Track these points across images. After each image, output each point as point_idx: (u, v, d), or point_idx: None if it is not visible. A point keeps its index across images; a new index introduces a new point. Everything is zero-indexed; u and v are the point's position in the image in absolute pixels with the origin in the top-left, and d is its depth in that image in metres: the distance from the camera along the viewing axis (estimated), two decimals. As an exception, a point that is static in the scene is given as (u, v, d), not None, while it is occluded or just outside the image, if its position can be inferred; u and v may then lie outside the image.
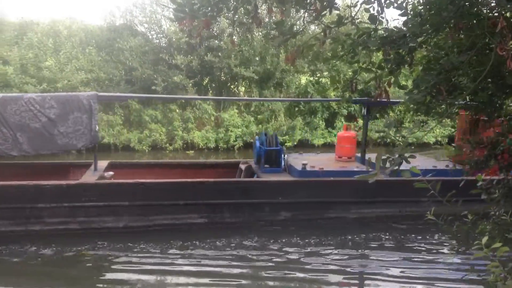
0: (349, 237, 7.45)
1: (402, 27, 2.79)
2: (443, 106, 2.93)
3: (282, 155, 8.62)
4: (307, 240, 7.28)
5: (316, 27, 11.92)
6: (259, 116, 17.65)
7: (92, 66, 16.62)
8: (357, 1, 2.88)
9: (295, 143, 17.28)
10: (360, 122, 18.03)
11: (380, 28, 2.81)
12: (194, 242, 7.10)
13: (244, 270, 6.31)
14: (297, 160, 8.53)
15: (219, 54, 17.19)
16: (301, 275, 6.18)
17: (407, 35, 2.72)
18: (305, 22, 3.22)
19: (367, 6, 2.80)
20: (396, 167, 2.57)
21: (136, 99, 16.17)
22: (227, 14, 3.19)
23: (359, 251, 6.95)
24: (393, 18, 2.91)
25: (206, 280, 6.01)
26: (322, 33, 2.99)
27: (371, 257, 6.77)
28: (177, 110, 16.92)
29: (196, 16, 2.97)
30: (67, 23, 17.86)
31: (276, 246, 7.05)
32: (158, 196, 7.38)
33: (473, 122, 8.94)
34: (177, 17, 3.09)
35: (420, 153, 10.68)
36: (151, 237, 7.16)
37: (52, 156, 8.85)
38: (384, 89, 3.07)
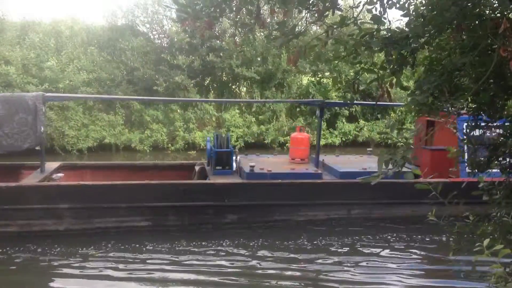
0: (299, 241, 7.25)
1: (405, 28, 2.78)
2: (444, 108, 2.93)
3: (233, 157, 8.51)
4: (253, 243, 7.09)
5: (318, 27, 11.92)
6: (260, 117, 17.66)
7: (93, 66, 16.65)
8: (360, 2, 2.88)
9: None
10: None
11: (382, 28, 2.80)
12: (137, 245, 6.90)
13: (186, 276, 6.06)
14: (249, 162, 8.36)
15: (221, 54, 17.20)
16: (245, 281, 5.96)
17: (410, 35, 2.71)
18: (307, 22, 3.22)
19: (370, 7, 2.80)
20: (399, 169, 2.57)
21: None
22: (229, 14, 3.19)
23: (304, 255, 6.77)
24: (396, 19, 2.90)
25: (149, 286, 5.81)
26: (324, 34, 2.99)
27: (318, 261, 6.58)
28: (179, 111, 16.94)
29: (198, 17, 2.97)
30: (69, 23, 17.87)
31: (221, 250, 6.85)
32: (99, 198, 7.23)
33: (428, 124, 9.01)
34: (180, 18, 3.10)
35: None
36: (93, 241, 6.98)
37: (11, 157, 8.69)
38: (386, 90, 3.07)
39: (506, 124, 3.03)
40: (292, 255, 6.77)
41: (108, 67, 16.75)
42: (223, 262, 6.45)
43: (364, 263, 6.54)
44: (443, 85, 2.76)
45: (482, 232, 2.78)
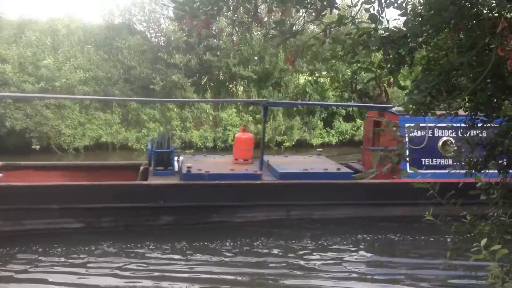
0: (239, 243, 7.11)
1: (402, 27, 2.78)
2: (441, 107, 2.93)
3: (174, 158, 8.35)
4: (185, 246, 6.95)
5: (316, 27, 11.92)
6: (257, 116, 17.65)
7: (90, 65, 16.59)
8: (357, 1, 2.87)
9: (293, 143, 17.29)
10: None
11: (380, 28, 2.80)
12: (70, 248, 6.71)
13: (123, 280, 5.86)
14: (190, 163, 8.14)
15: (218, 53, 17.18)
16: (183, 285, 5.78)
17: (407, 35, 2.71)
18: (305, 21, 3.21)
19: (367, 6, 2.80)
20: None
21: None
22: (226, 13, 3.18)
23: (241, 257, 6.63)
24: (393, 18, 2.90)
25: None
26: (322, 33, 2.99)
27: (253, 263, 6.44)
28: (175, 109, 16.91)
29: (196, 15, 2.96)
30: (65, 22, 17.81)
31: (156, 253, 6.70)
32: (30, 199, 7.08)
33: (375, 124, 9.05)
34: (177, 16, 3.08)
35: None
36: (24, 243, 6.78)
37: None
38: (383, 89, 3.07)
39: (503, 124, 3.03)
40: (227, 258, 6.57)
41: (104, 65, 16.70)
42: (158, 267, 6.25)
43: (304, 265, 6.39)
44: (441, 84, 2.76)
45: (479, 232, 2.78)
